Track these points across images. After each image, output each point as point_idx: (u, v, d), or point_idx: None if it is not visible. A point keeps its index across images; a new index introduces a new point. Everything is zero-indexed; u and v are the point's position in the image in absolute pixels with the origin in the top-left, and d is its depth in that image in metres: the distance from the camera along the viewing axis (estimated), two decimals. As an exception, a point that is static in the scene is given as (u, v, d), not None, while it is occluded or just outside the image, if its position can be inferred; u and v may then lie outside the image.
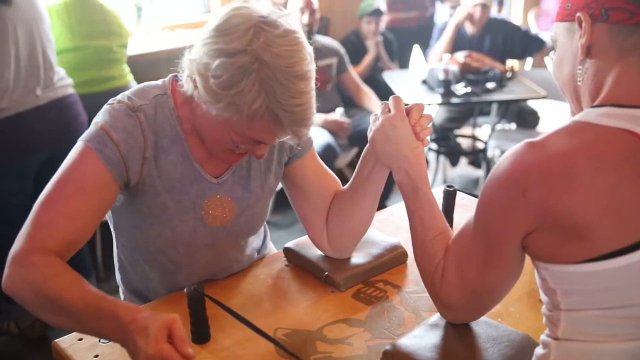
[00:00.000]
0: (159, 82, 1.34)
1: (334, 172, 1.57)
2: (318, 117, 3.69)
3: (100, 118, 1.26)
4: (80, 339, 1.31)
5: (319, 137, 3.59)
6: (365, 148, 1.41)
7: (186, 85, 1.22)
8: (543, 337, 1.04)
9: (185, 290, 1.26)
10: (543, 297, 1.03)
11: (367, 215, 1.48)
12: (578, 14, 0.97)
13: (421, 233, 1.23)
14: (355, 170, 1.45)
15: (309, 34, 3.76)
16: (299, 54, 1.13)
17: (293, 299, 1.45)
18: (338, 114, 3.79)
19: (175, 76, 1.33)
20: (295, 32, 1.14)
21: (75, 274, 1.13)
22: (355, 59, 4.28)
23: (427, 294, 1.44)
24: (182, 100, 1.30)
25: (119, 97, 1.29)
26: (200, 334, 1.29)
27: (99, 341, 1.29)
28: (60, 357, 1.30)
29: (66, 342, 1.31)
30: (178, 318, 0.99)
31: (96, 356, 1.26)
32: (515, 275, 1.09)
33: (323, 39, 3.96)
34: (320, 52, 3.85)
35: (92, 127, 1.26)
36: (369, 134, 1.33)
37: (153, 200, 1.32)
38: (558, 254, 0.93)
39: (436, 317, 1.29)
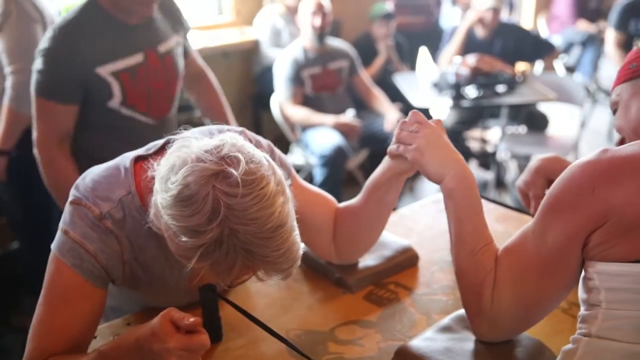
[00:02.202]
0: (121, 172, 1.22)
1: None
2: (329, 119, 3.69)
3: (69, 226, 1.17)
4: (95, 337, 1.31)
5: (330, 139, 3.59)
6: (383, 165, 1.36)
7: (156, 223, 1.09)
8: (574, 336, 1.02)
9: (198, 289, 1.26)
10: (582, 296, 1.02)
11: (381, 229, 1.47)
12: None
13: (472, 242, 1.16)
14: (369, 187, 1.40)
15: (321, 37, 3.76)
16: (267, 209, 0.98)
17: (304, 300, 1.44)
18: (349, 116, 3.79)
19: (138, 157, 1.24)
20: (255, 179, 0.98)
21: (69, 357, 1.14)
22: (367, 62, 4.28)
23: (438, 296, 1.44)
24: (149, 193, 1.13)
25: (81, 195, 1.19)
26: (213, 333, 1.28)
27: (113, 338, 1.29)
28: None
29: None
30: (171, 308, 0.99)
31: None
32: (569, 288, 1.06)
33: (334, 42, 3.95)
34: (332, 55, 3.85)
35: (63, 237, 1.17)
36: (404, 151, 1.25)
37: (140, 290, 1.32)
38: (614, 252, 0.94)
39: (448, 319, 1.28)
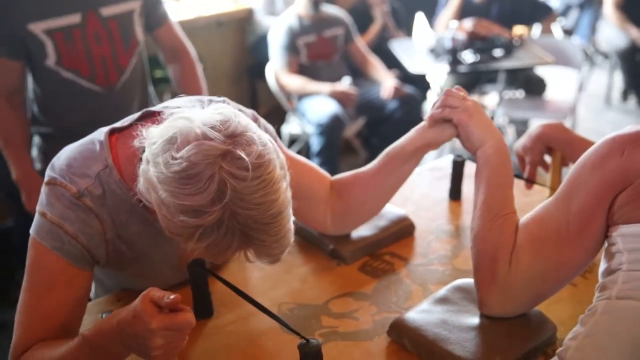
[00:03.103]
0: (96, 147, 1.15)
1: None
2: (325, 87, 3.62)
3: (46, 207, 1.11)
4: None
5: (326, 107, 3.52)
6: (412, 134, 1.31)
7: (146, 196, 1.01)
8: (593, 303, 0.98)
9: (187, 266, 1.21)
10: (602, 268, 0.99)
11: (386, 201, 1.41)
12: None
13: (498, 207, 1.13)
14: (390, 154, 1.35)
15: (316, 4, 3.67)
16: (270, 195, 0.95)
17: (298, 273, 1.39)
18: (345, 84, 3.72)
19: (113, 129, 1.17)
20: (263, 162, 0.94)
21: (55, 343, 1.08)
22: (362, 29, 4.19)
23: (434, 267, 1.40)
24: (127, 167, 1.11)
25: (57, 174, 1.12)
26: (204, 309, 1.25)
27: (101, 316, 1.24)
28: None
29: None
30: (152, 288, 0.92)
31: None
32: (588, 259, 1.03)
33: (330, 9, 3.86)
34: (327, 23, 3.76)
35: (41, 220, 1.11)
36: (451, 113, 1.22)
37: (126, 269, 1.26)
38: (639, 213, 0.93)
39: (444, 290, 1.23)
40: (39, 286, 1.11)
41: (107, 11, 1.88)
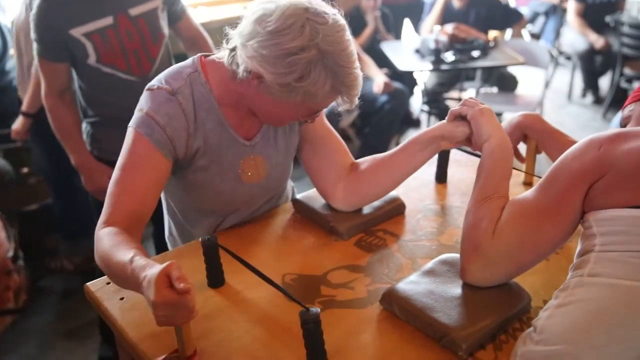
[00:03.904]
0: (189, 61, 1.27)
1: (337, 131, 1.46)
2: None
3: (143, 105, 1.21)
4: (109, 283, 1.22)
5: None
6: (431, 127, 1.30)
7: (242, 75, 1.14)
8: (566, 281, 0.94)
9: (200, 239, 1.16)
10: (577, 251, 0.95)
11: (395, 184, 1.37)
12: None
13: (492, 191, 1.09)
14: (409, 141, 1.32)
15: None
16: (346, 36, 1.11)
17: (300, 247, 1.34)
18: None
19: (204, 54, 1.28)
20: (337, 17, 1.10)
21: (126, 241, 1.05)
22: (356, 32, 4.11)
23: (422, 242, 1.34)
24: (213, 75, 1.25)
25: (156, 82, 1.23)
26: (215, 279, 1.19)
27: (107, 284, 1.20)
28: (92, 299, 1.21)
29: (96, 285, 1.22)
30: (173, 263, 0.86)
31: (122, 298, 1.18)
32: (565, 236, 0.98)
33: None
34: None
35: (138, 114, 1.21)
36: (467, 110, 1.22)
37: (197, 165, 1.28)
38: (612, 200, 0.90)
39: (431, 263, 1.18)
40: (129, 164, 1.18)
41: (134, 11, 1.89)
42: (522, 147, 1.53)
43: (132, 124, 1.21)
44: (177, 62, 2.43)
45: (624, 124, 1.15)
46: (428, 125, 4.30)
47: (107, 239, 1.07)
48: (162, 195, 1.44)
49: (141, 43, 1.92)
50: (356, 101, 1.17)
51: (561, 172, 0.97)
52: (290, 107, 1.16)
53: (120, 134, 1.79)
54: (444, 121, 1.28)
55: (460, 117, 1.24)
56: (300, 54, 1.06)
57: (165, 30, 2.01)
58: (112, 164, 2.01)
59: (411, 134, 4.58)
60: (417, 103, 4.74)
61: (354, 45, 1.13)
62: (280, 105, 1.16)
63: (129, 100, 1.91)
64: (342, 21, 1.11)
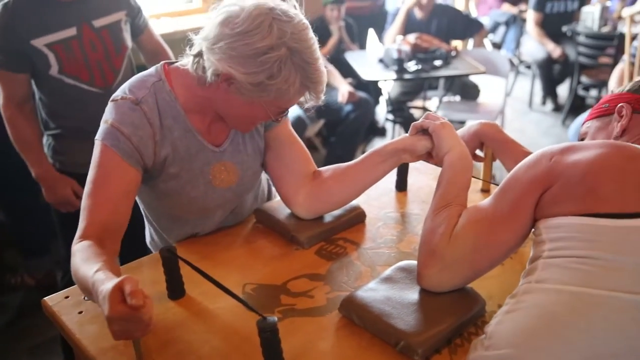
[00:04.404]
0: (152, 70, 1.28)
1: (303, 140, 1.48)
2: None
3: (108, 116, 1.22)
4: (67, 297, 1.21)
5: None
6: (395, 139, 1.33)
7: (210, 79, 1.15)
8: (517, 288, 0.97)
9: (159, 251, 1.16)
10: (531, 254, 0.99)
11: (356, 193, 1.40)
12: (621, 105, 1.14)
13: (450, 199, 1.13)
14: (371, 152, 1.36)
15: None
16: (310, 34, 1.14)
17: (261, 256, 1.34)
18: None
19: (167, 62, 1.30)
20: (300, 16, 1.14)
21: (95, 254, 1.06)
22: (321, 42, 4.11)
23: (382, 250, 1.37)
24: (178, 82, 1.26)
25: (119, 92, 1.24)
26: (175, 290, 1.19)
27: (84, 298, 1.19)
28: (49, 313, 1.20)
29: (54, 299, 1.21)
30: (128, 277, 0.86)
31: (80, 312, 1.17)
32: (515, 242, 1.01)
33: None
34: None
35: (104, 126, 1.21)
36: (429, 124, 1.27)
37: (167, 173, 1.28)
38: (561, 209, 0.93)
39: (390, 270, 1.20)
40: (98, 177, 1.19)
41: (98, 22, 1.89)
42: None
43: (98, 136, 1.22)
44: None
45: (580, 138, 1.21)
46: (393, 133, 4.35)
47: (78, 254, 1.07)
48: (139, 204, 1.45)
49: (105, 54, 1.91)
50: (322, 97, 1.21)
51: (515, 181, 1.01)
52: (261, 106, 1.18)
53: (83, 146, 1.75)
54: (407, 134, 1.32)
55: (422, 131, 1.28)
56: (271, 52, 1.08)
57: (129, 42, 2.00)
58: (75, 176, 2.01)
59: (377, 143, 4.63)
60: (382, 112, 4.80)
61: (317, 43, 1.16)
62: (250, 105, 1.18)
63: (92, 111, 1.84)
64: (305, 20, 1.15)
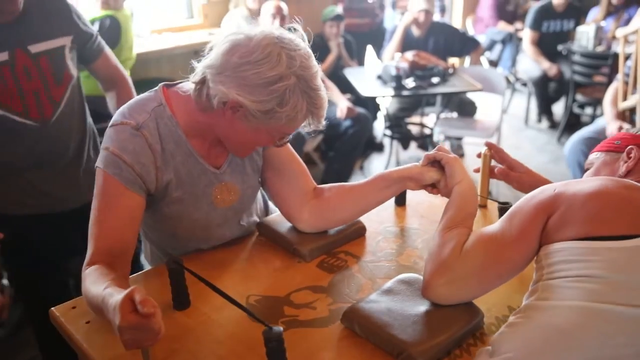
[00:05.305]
0: (152, 93, 1.27)
1: (302, 155, 1.52)
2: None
3: (108, 142, 1.21)
4: (74, 307, 1.23)
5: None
6: (404, 166, 1.38)
7: (217, 106, 1.17)
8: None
9: (165, 263, 1.19)
10: (534, 277, 1.04)
11: (359, 213, 1.45)
12: (631, 147, 1.18)
13: (459, 222, 1.18)
14: (378, 175, 1.40)
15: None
16: (314, 61, 1.17)
17: (264, 269, 1.38)
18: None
19: (165, 84, 1.29)
20: (305, 44, 1.17)
21: (104, 274, 1.08)
22: (320, 58, 4.17)
23: (382, 263, 1.40)
24: (179, 107, 1.26)
25: (119, 117, 1.23)
26: (181, 301, 1.22)
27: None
28: (57, 324, 1.22)
29: (61, 310, 1.23)
30: (137, 288, 0.89)
31: (87, 322, 1.19)
32: (522, 262, 1.06)
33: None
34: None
35: (104, 153, 1.21)
36: (442, 156, 1.32)
37: (170, 198, 1.30)
38: (562, 234, 0.99)
39: (390, 283, 1.23)
40: (102, 206, 1.19)
41: (35, 48, 1.67)
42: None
43: (99, 163, 1.21)
44: (96, 103, 2.27)
45: (585, 168, 1.28)
46: (391, 148, 4.39)
47: (88, 279, 1.10)
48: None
49: (42, 84, 1.69)
50: (323, 122, 1.22)
51: (523, 206, 1.07)
52: (266, 132, 1.20)
53: (16, 183, 1.59)
54: (417, 164, 1.36)
55: (433, 162, 1.33)
56: (280, 82, 1.10)
57: (73, 71, 1.79)
58: (7, 218, 1.73)
59: (375, 158, 4.67)
60: (380, 128, 4.85)
61: (320, 70, 1.19)
62: (255, 132, 1.19)
63: (25, 145, 1.69)
64: (309, 49, 1.17)
